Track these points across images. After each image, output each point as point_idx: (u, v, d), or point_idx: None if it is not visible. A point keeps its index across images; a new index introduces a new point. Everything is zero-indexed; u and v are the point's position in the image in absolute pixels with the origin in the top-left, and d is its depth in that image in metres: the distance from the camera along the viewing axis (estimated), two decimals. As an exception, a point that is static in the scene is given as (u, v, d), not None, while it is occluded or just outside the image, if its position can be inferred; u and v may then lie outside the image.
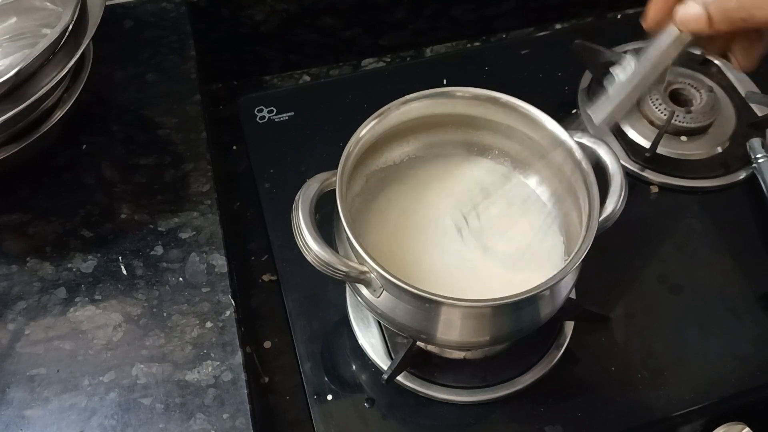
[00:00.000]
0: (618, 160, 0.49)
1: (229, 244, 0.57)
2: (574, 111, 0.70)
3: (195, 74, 0.66)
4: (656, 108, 0.67)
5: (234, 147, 0.71)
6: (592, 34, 0.74)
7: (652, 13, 0.43)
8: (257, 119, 0.70)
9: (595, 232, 0.45)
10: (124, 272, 0.54)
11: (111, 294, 0.53)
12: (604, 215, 0.47)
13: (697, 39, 0.42)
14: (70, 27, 0.52)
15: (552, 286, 0.44)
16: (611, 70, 0.45)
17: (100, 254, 0.55)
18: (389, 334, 0.55)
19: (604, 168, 0.49)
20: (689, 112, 0.66)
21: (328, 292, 0.58)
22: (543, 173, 0.54)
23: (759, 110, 0.70)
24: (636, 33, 0.47)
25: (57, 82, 0.52)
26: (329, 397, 0.54)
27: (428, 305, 0.44)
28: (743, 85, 0.72)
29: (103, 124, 0.63)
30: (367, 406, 0.53)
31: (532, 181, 0.55)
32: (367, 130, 0.49)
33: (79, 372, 0.50)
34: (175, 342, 0.51)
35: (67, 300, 0.53)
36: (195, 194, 0.59)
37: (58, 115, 0.55)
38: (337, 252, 0.45)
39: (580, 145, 0.49)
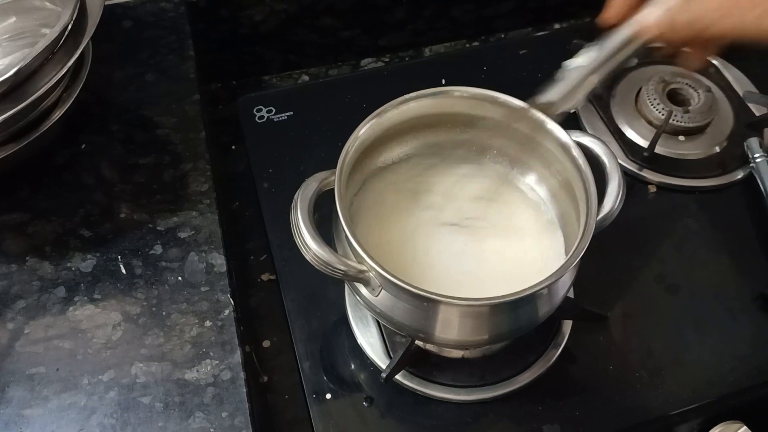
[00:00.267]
0: (616, 159, 0.49)
1: (228, 244, 0.57)
2: (572, 110, 0.70)
3: (194, 74, 0.66)
4: (654, 108, 0.67)
5: (233, 147, 0.71)
6: (591, 34, 0.73)
7: (611, 12, 0.43)
8: (256, 119, 0.70)
9: (592, 231, 0.45)
10: (124, 271, 0.55)
11: (110, 293, 0.53)
12: (602, 214, 0.47)
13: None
14: (70, 26, 0.53)
15: (550, 285, 0.44)
16: (563, 64, 0.45)
17: (99, 253, 0.55)
18: (388, 333, 0.55)
19: (602, 167, 0.49)
20: (687, 111, 0.67)
21: (327, 291, 0.59)
22: (541, 172, 0.54)
23: (757, 110, 0.70)
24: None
25: (56, 82, 0.52)
26: (328, 396, 0.54)
27: (426, 304, 0.44)
28: (741, 84, 0.72)
29: (102, 124, 0.63)
30: (366, 405, 0.53)
31: (531, 180, 0.55)
32: (365, 130, 0.50)
33: (79, 371, 0.50)
34: (174, 341, 0.51)
35: (67, 299, 0.53)
36: (194, 194, 0.59)
37: (58, 114, 0.55)
38: (335, 251, 0.45)
39: (579, 144, 0.49)
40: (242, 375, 0.50)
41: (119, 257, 0.55)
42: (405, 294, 0.44)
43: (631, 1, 0.43)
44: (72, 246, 0.56)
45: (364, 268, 0.45)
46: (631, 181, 0.66)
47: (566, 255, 0.48)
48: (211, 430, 0.48)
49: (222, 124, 0.73)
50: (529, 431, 0.52)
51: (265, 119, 0.70)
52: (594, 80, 0.45)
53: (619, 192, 0.48)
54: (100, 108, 0.64)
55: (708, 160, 0.67)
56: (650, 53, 0.45)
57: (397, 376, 0.53)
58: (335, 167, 0.47)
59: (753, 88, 0.71)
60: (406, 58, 0.83)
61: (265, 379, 0.56)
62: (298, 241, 0.45)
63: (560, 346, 0.55)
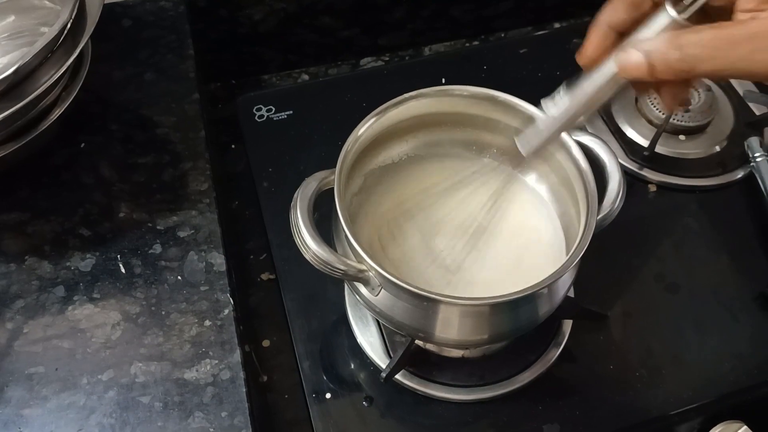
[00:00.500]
0: (616, 158, 0.49)
1: (227, 243, 0.57)
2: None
3: (193, 73, 0.66)
4: (654, 107, 0.67)
5: (232, 146, 0.71)
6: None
7: (589, 51, 0.42)
8: (256, 118, 0.70)
9: (593, 230, 0.45)
10: (123, 271, 0.54)
11: (109, 292, 0.53)
12: (602, 214, 0.47)
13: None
14: (69, 25, 0.52)
15: (550, 284, 0.44)
16: (542, 101, 0.45)
17: (98, 253, 0.55)
18: (388, 332, 0.55)
19: (602, 166, 0.49)
20: (687, 111, 0.67)
21: (327, 290, 0.58)
22: (541, 171, 0.54)
23: (757, 109, 0.70)
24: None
25: (55, 81, 0.52)
26: (328, 395, 0.54)
27: (426, 303, 0.44)
28: (741, 84, 0.72)
29: (101, 123, 0.63)
30: (366, 405, 0.53)
31: (531, 179, 0.55)
32: (365, 129, 0.50)
33: (78, 370, 0.50)
34: (173, 340, 0.51)
35: (66, 299, 0.53)
36: (193, 193, 0.59)
37: (57, 113, 0.55)
38: (335, 250, 0.45)
39: (579, 143, 0.49)
40: (242, 375, 0.50)
41: (118, 257, 0.55)
42: (405, 293, 0.44)
43: (606, 44, 0.42)
44: (71, 245, 0.56)
45: (363, 267, 0.44)
46: (631, 180, 0.66)
47: (566, 254, 0.48)
48: (211, 429, 0.47)
49: (221, 123, 0.73)
50: (529, 431, 0.52)
51: (264, 118, 0.70)
52: (571, 125, 0.44)
53: (619, 191, 0.48)
54: (100, 107, 0.64)
55: (708, 160, 0.67)
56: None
57: (397, 376, 0.53)
58: (335, 166, 0.47)
59: (753, 88, 0.71)
60: (406, 58, 0.83)
61: (265, 378, 0.56)
62: (297, 240, 0.45)
63: (560, 345, 0.55)
